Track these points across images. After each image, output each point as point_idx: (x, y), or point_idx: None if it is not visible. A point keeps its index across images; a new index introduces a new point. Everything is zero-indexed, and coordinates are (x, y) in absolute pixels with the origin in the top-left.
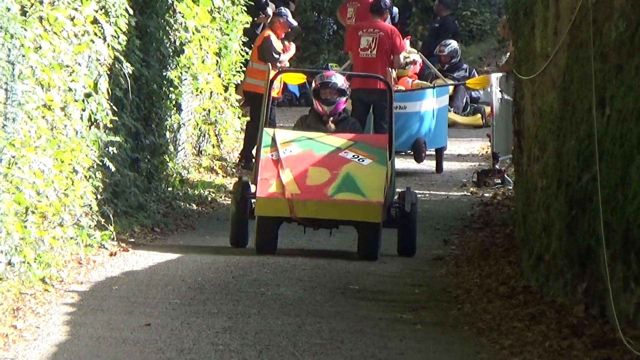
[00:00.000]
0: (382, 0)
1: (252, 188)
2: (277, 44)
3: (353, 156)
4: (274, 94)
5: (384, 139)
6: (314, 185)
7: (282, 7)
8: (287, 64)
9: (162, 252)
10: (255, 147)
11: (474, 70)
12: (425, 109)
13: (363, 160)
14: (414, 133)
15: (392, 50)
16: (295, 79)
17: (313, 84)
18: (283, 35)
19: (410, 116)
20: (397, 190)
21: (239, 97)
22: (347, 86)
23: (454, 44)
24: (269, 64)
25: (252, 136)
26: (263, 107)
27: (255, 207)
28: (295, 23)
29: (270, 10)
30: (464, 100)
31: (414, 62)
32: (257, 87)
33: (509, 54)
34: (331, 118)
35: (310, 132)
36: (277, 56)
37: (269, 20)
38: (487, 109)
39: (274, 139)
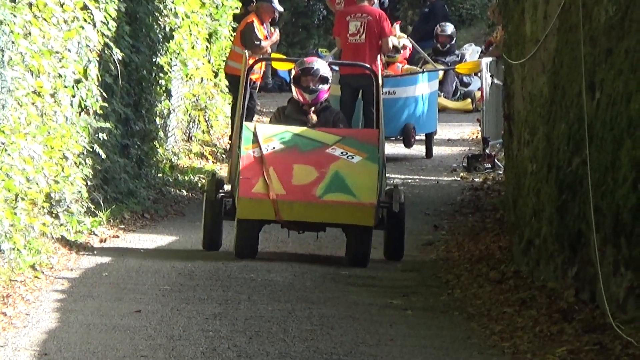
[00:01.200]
0: None
1: (227, 186)
2: (261, 30)
3: (341, 153)
4: (255, 76)
5: (374, 134)
6: (301, 184)
7: None
8: (269, 50)
9: (152, 239)
10: (230, 137)
11: (465, 55)
12: (415, 94)
13: (352, 158)
14: (404, 118)
15: (380, 34)
16: (285, 65)
17: (292, 71)
18: (269, 20)
19: (400, 101)
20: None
21: (227, 82)
22: (330, 74)
23: (452, 26)
24: (248, 50)
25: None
26: (240, 97)
27: (237, 209)
28: (280, 8)
29: None
30: (454, 85)
31: (403, 47)
32: (238, 70)
33: (495, 36)
34: (312, 108)
35: (293, 126)
36: (257, 43)
37: (254, 5)
38: (477, 94)
39: (255, 135)
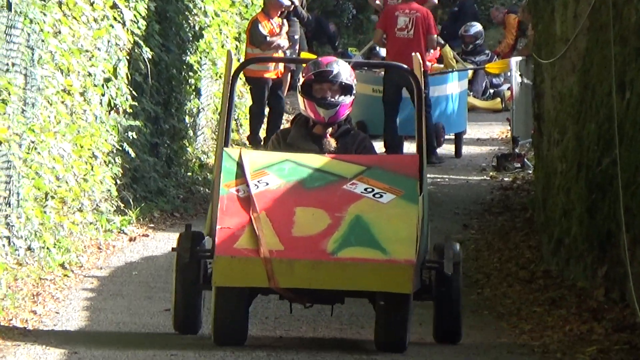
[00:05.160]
0: None
1: (208, 242)
2: (267, 26)
3: (365, 189)
4: (272, 75)
5: (413, 162)
6: (306, 236)
7: None
8: (283, 44)
9: None
10: (262, 129)
11: (495, 55)
12: (446, 92)
13: (381, 197)
14: (434, 118)
15: (427, 30)
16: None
17: (301, 75)
18: (278, 14)
19: (430, 100)
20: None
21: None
22: (355, 80)
23: (478, 25)
24: (258, 49)
25: (255, 119)
26: (224, 106)
27: (214, 272)
28: (287, 2)
29: None
30: (484, 85)
31: (437, 45)
32: (254, 72)
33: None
34: (329, 129)
35: (296, 152)
36: (263, 39)
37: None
38: (507, 93)
39: (240, 165)
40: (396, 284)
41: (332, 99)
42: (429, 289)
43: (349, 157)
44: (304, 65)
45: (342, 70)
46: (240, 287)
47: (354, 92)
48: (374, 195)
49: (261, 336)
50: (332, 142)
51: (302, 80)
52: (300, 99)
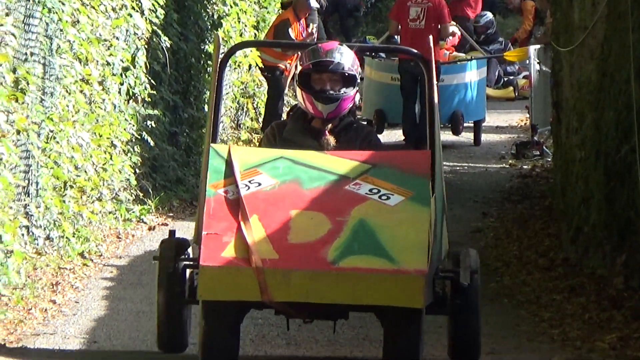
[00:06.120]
0: None
1: (194, 250)
2: (295, 29)
3: (371, 190)
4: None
5: (424, 158)
6: (303, 243)
7: None
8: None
9: None
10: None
11: (510, 43)
12: (465, 80)
13: (388, 198)
14: (453, 105)
15: (440, 20)
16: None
17: (297, 63)
18: (305, 17)
19: (449, 88)
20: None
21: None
22: (359, 70)
23: (489, 14)
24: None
25: (270, 109)
26: (212, 98)
27: (199, 284)
28: (316, 5)
29: None
30: (497, 73)
31: (452, 34)
32: (269, 62)
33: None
34: (329, 125)
35: (292, 149)
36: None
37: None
38: (520, 82)
39: (229, 163)
40: (406, 297)
41: (333, 92)
42: (443, 301)
43: (352, 153)
44: (302, 52)
45: (345, 58)
46: (230, 302)
47: (358, 82)
48: (380, 196)
49: (254, 355)
50: (331, 140)
51: (299, 69)
52: (297, 90)
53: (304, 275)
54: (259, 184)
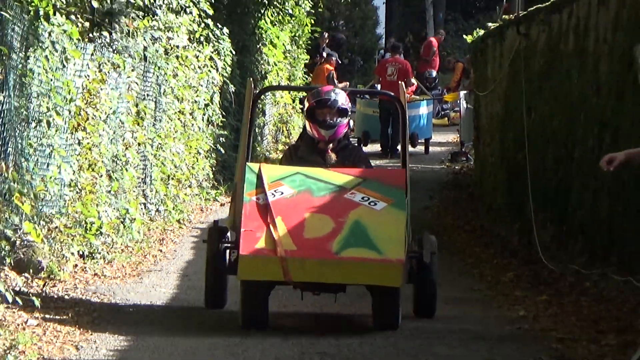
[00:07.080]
0: (399, 45)
1: (232, 235)
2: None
3: (362, 198)
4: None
5: (401, 175)
6: (314, 238)
7: (333, 52)
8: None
9: None
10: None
11: (445, 90)
12: (419, 113)
13: (375, 204)
14: (411, 129)
15: (406, 76)
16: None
17: (306, 102)
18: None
19: (409, 118)
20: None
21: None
22: (349, 105)
23: (434, 72)
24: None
25: None
26: (244, 132)
27: (239, 268)
28: (339, 61)
29: (325, 52)
30: (437, 109)
31: (412, 85)
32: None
33: (452, 82)
34: (330, 145)
35: (305, 166)
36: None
37: (325, 59)
38: (453, 114)
39: (259, 177)
40: (389, 279)
41: (331, 121)
42: (411, 273)
43: (348, 170)
44: (308, 93)
45: (339, 97)
46: (261, 281)
47: (349, 114)
48: (369, 203)
49: (279, 312)
50: (332, 156)
51: (306, 106)
52: (306, 122)
53: (315, 262)
54: (282, 193)
